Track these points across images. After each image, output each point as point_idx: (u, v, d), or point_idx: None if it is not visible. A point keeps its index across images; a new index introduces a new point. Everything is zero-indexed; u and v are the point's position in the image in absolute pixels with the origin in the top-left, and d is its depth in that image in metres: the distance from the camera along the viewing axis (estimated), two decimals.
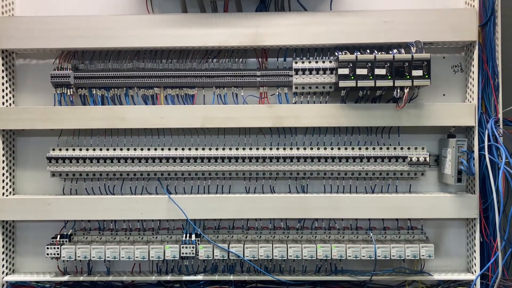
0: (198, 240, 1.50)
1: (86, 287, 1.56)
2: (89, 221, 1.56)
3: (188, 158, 1.50)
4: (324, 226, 1.55)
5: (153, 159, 1.50)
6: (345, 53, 1.42)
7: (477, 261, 1.49)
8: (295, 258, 1.47)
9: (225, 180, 1.56)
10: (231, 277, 1.52)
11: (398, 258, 1.45)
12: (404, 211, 1.49)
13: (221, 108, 1.51)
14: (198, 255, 1.48)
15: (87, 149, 1.52)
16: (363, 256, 1.45)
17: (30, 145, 1.59)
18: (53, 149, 1.52)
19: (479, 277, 1.46)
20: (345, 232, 1.54)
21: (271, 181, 1.56)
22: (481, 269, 1.47)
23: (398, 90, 1.41)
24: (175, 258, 1.47)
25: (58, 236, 1.51)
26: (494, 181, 1.39)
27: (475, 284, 1.47)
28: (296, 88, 1.50)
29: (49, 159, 1.50)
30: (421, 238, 1.52)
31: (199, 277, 1.52)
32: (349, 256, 1.46)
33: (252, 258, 1.47)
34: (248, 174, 1.53)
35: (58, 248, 1.47)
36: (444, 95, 1.57)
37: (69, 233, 1.53)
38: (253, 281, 1.55)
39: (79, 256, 1.46)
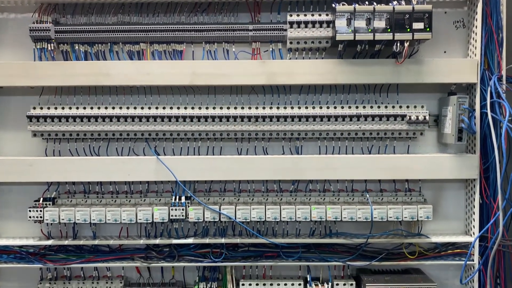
0: (188, 203, 1.44)
1: (71, 252, 1.50)
2: (73, 183, 1.49)
3: (177, 117, 1.42)
4: (319, 188, 1.50)
5: (140, 118, 1.42)
6: (343, 4, 1.34)
7: (476, 223, 1.44)
8: (289, 220, 1.42)
9: (216, 141, 1.50)
10: (223, 240, 1.46)
11: (395, 219, 1.41)
12: (402, 172, 1.44)
13: (211, 64, 1.43)
14: (188, 217, 1.42)
15: (70, 108, 1.44)
16: (359, 218, 1.40)
17: (11, 104, 1.51)
18: (34, 108, 1.43)
19: (477, 239, 1.42)
20: (340, 194, 1.48)
21: (264, 142, 1.50)
22: (479, 231, 1.43)
23: (398, 44, 1.33)
24: (164, 221, 1.41)
25: (41, 199, 1.45)
26: (496, 138, 1.34)
27: (473, 247, 1.43)
28: (291, 43, 1.42)
29: (30, 117, 1.42)
30: (419, 200, 1.47)
31: (189, 241, 1.47)
32: (344, 217, 1.41)
33: (244, 220, 1.41)
34: (240, 134, 1.46)
35: (41, 210, 1.41)
36: (445, 52, 1.50)
37: (52, 196, 1.47)
38: (245, 244, 1.49)
39: (63, 219, 1.40)
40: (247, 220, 1.42)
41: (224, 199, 1.48)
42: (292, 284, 1.47)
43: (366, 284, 1.39)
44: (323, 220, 1.41)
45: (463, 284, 1.47)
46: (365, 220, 1.40)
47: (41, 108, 1.43)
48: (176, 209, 1.41)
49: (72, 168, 1.43)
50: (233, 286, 1.48)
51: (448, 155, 1.45)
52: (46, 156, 1.48)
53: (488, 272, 1.37)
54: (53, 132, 1.44)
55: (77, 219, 1.40)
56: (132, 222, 1.41)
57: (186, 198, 1.45)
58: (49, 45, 1.44)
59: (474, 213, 1.45)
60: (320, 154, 1.48)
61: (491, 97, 1.38)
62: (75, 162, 1.44)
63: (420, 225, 1.48)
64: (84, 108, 1.44)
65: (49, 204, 1.43)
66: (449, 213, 1.53)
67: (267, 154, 1.50)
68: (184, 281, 1.54)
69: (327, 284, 1.46)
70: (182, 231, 1.50)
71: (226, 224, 1.49)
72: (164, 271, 1.54)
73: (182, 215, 1.42)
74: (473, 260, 1.45)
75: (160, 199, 1.48)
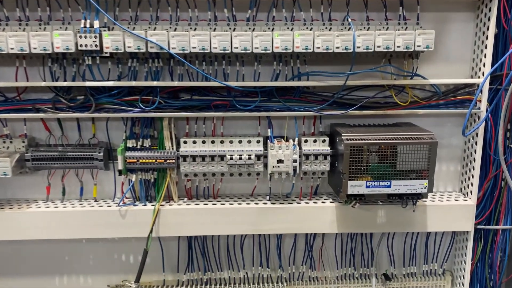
0: (103, 30, 1.04)
1: None
2: None
3: None
4: (286, 16, 1.12)
5: None
6: None
7: (487, 59, 1.10)
8: (243, 52, 1.05)
9: None
10: (155, 83, 1.09)
11: (385, 50, 1.05)
12: None
13: None
14: (103, 49, 1.04)
15: None
16: (336, 48, 1.04)
17: None
18: None
19: (488, 77, 1.10)
20: (314, 24, 1.10)
21: None
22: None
23: None
24: (69, 51, 1.02)
25: None
26: None
27: (481, 90, 1.11)
28: None
29: None
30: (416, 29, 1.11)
31: (109, 83, 1.09)
32: (317, 47, 1.04)
33: (181, 52, 1.04)
34: None
35: None
36: None
37: None
38: (188, 90, 1.13)
39: None
40: (185, 52, 1.04)
41: (155, 28, 1.09)
42: (249, 142, 1.14)
43: (343, 134, 1.06)
44: (289, 51, 1.04)
45: (466, 136, 1.18)
46: (345, 50, 1.04)
47: None
48: (86, 36, 1.02)
49: None
50: (172, 145, 1.15)
51: None
52: None
53: (500, 122, 1.07)
54: None
55: None
56: (24, 52, 1.01)
57: (102, 27, 1.05)
58: None
59: (486, 47, 1.11)
60: None
61: None
62: None
63: (415, 65, 1.13)
64: None
65: None
66: (452, 53, 1.18)
67: None
68: (108, 140, 1.19)
69: (293, 140, 1.14)
70: (101, 75, 1.12)
71: (161, 65, 1.11)
72: (83, 129, 1.18)
73: (96, 45, 1.02)
74: (479, 108, 1.14)
75: (66, 28, 1.08)
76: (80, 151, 1.14)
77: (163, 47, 1.02)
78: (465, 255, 1.22)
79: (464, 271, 1.23)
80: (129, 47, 1.02)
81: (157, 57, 1.10)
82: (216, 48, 1.03)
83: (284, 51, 1.04)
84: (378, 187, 1.06)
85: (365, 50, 1.04)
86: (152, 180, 1.17)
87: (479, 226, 1.21)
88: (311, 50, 1.04)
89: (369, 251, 1.29)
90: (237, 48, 1.03)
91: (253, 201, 1.20)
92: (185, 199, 1.21)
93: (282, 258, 1.28)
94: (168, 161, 1.12)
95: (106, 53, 1.05)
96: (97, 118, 1.17)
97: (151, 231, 1.13)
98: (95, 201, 1.20)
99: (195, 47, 1.03)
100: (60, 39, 1.01)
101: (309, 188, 1.22)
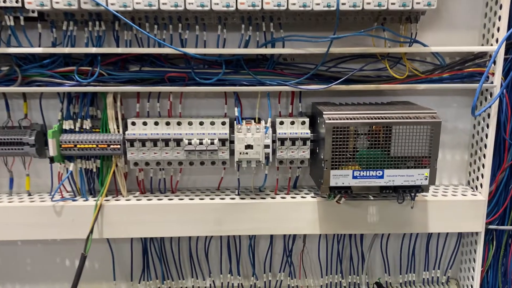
0: None
1: None
2: None
3: None
4: None
5: None
6: None
7: (502, 23, 0.90)
8: (200, 10, 0.84)
9: None
10: (93, 50, 0.89)
11: (377, 8, 0.85)
12: None
13: None
14: (26, 6, 0.84)
15: None
16: (316, 5, 0.83)
17: None
18: None
19: (503, 45, 0.90)
20: None
21: None
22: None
23: None
24: None
25: None
26: None
27: (494, 61, 0.91)
28: None
29: None
30: None
31: (39, 50, 0.89)
32: (292, 4, 0.83)
33: (123, 8, 0.83)
34: None
35: None
36: None
37: None
38: (138, 60, 0.93)
39: None
40: (128, 9, 0.84)
41: None
42: (212, 124, 0.94)
43: (324, 113, 0.86)
44: (257, 8, 0.84)
45: (475, 117, 0.97)
46: (327, 8, 0.84)
47: None
48: None
49: None
50: (118, 128, 0.95)
51: None
52: None
53: None
54: None
55: None
56: None
57: None
58: None
59: (500, 7, 0.90)
60: None
61: None
62: None
63: (414, 30, 0.93)
64: None
65: None
66: (459, 17, 0.98)
67: None
68: (44, 122, 0.98)
69: (265, 123, 0.94)
70: (29, 42, 0.92)
71: (104, 29, 0.91)
72: (14, 108, 0.98)
73: (16, 1, 0.82)
74: (492, 83, 0.94)
75: None
76: (7, 135, 0.93)
77: (99, 2, 0.82)
78: (474, 261, 1.02)
79: (473, 279, 1.03)
80: (57, 2, 0.83)
81: (98, 20, 0.90)
82: (166, 3, 0.83)
83: (251, 8, 0.84)
84: (368, 178, 0.86)
85: (352, 8, 0.84)
86: (95, 170, 0.97)
87: (490, 226, 1.01)
88: (284, 8, 0.84)
89: (359, 256, 1.09)
90: (192, 3, 0.84)
91: (219, 195, 1.00)
92: (137, 194, 1.01)
93: (256, 264, 1.08)
94: (112, 146, 0.92)
95: (33, 11, 0.86)
96: (30, 95, 0.97)
97: (91, 232, 0.93)
98: (29, 195, 1.00)
99: (139, 3, 0.83)
100: None
101: (286, 180, 1.02)
